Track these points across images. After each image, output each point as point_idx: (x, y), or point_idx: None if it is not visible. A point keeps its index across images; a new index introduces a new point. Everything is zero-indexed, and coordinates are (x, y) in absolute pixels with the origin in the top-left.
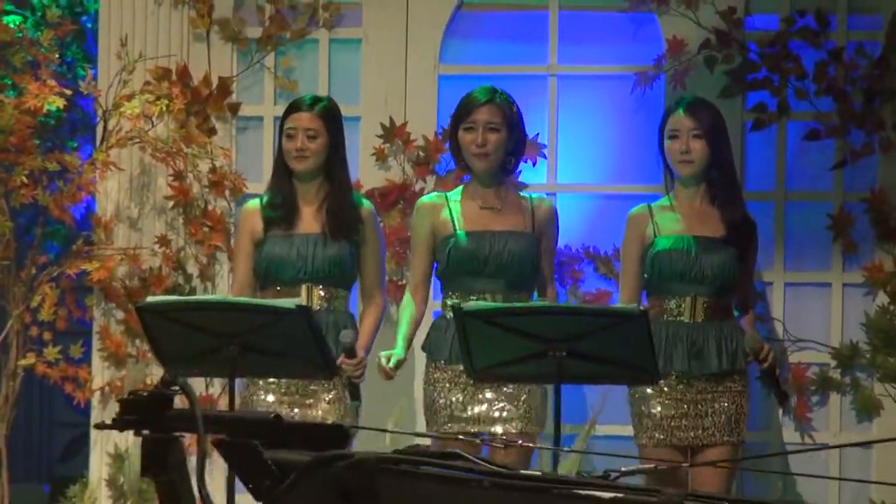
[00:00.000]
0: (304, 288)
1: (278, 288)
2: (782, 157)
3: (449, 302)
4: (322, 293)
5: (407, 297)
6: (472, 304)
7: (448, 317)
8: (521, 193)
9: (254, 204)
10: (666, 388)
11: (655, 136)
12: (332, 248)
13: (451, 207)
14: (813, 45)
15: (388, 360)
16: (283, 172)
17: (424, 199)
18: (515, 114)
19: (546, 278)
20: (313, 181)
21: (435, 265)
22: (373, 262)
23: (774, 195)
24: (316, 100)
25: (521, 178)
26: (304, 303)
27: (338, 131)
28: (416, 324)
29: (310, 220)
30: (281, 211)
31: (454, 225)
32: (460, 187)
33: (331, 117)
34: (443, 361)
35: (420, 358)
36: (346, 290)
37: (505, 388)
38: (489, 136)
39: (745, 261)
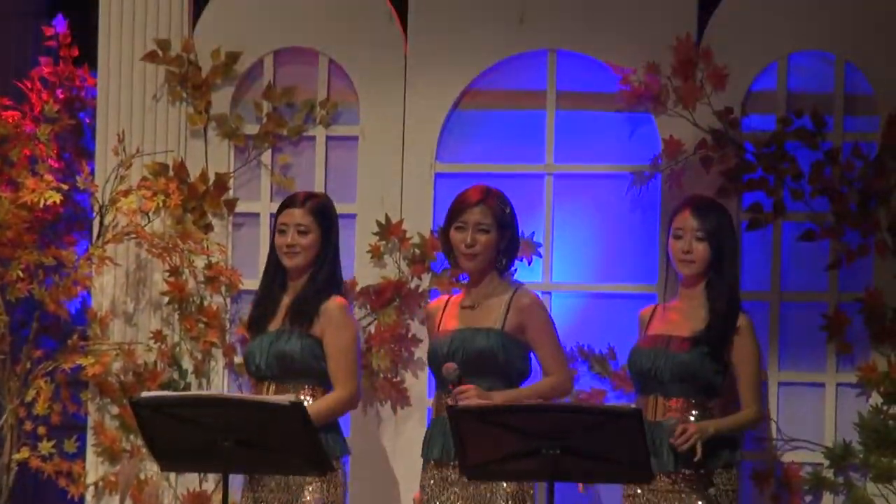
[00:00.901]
0: (270, 386)
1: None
2: (777, 257)
3: (448, 401)
4: (284, 391)
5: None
6: (464, 404)
7: (440, 417)
8: (512, 284)
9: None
10: (639, 490)
11: (651, 236)
12: (284, 342)
13: (444, 311)
14: (809, 146)
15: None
16: (274, 268)
17: (431, 302)
18: (508, 214)
19: (547, 367)
20: (303, 277)
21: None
22: (332, 353)
23: (769, 295)
24: (309, 196)
25: (516, 277)
26: (297, 399)
27: (330, 227)
28: None
29: (277, 320)
30: (259, 308)
31: (437, 328)
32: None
33: (323, 213)
34: (432, 461)
35: (405, 464)
36: (313, 386)
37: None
38: (478, 237)
39: (729, 357)
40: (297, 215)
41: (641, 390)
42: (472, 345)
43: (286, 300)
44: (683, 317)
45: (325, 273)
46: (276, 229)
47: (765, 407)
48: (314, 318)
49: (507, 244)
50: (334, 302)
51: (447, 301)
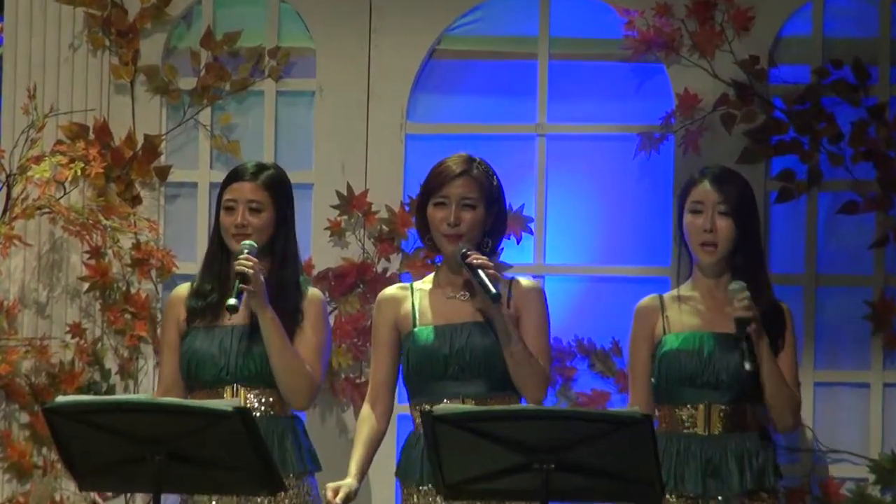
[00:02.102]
0: (227, 391)
1: (201, 392)
2: (813, 234)
3: (419, 408)
4: (252, 397)
5: (364, 412)
6: (444, 407)
7: (420, 432)
8: (504, 275)
9: (183, 289)
10: None
11: (662, 209)
12: (261, 342)
13: (414, 299)
14: (850, 102)
15: (336, 492)
16: (219, 252)
17: (386, 291)
18: (496, 187)
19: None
20: (259, 259)
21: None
22: (303, 347)
23: (803, 279)
24: (261, 167)
25: (502, 259)
26: (242, 404)
27: (286, 204)
28: (374, 444)
29: (240, 310)
30: (207, 299)
31: (414, 320)
32: (431, 275)
33: (278, 188)
34: (414, 484)
35: (379, 485)
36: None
37: None
38: (463, 215)
39: (777, 356)
40: (248, 190)
41: (678, 398)
42: (481, 342)
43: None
44: (716, 312)
45: (291, 260)
46: (223, 206)
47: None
48: (298, 317)
49: (494, 222)
50: (313, 298)
51: (412, 289)
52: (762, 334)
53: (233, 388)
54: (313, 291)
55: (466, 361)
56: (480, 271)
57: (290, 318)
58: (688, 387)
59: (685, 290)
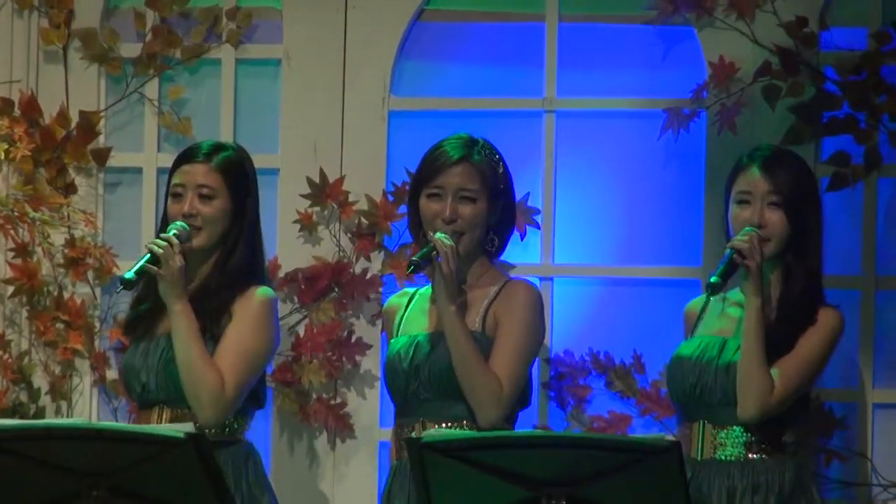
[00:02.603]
0: (154, 413)
1: (139, 413)
2: (871, 228)
3: (405, 437)
4: (179, 419)
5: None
6: (435, 432)
7: (401, 461)
8: (508, 278)
9: None
10: None
11: (692, 198)
12: None
13: (409, 306)
14: None
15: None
16: None
17: (390, 299)
18: (502, 176)
19: (496, 376)
20: (208, 259)
21: None
22: (220, 351)
23: (859, 282)
24: (216, 148)
25: (503, 257)
26: (195, 431)
27: (243, 192)
28: None
29: (170, 318)
30: (143, 304)
31: (397, 330)
32: None
33: (235, 172)
34: None
35: None
36: (237, 416)
37: None
38: (462, 209)
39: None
40: (200, 173)
41: (684, 416)
42: (440, 356)
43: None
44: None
45: (240, 257)
46: (170, 192)
47: (841, 439)
48: (223, 319)
49: (501, 216)
50: (255, 293)
51: (414, 295)
52: (757, 292)
53: (159, 409)
54: (261, 289)
55: (432, 377)
56: (432, 243)
57: (211, 329)
58: (694, 401)
59: (734, 291)
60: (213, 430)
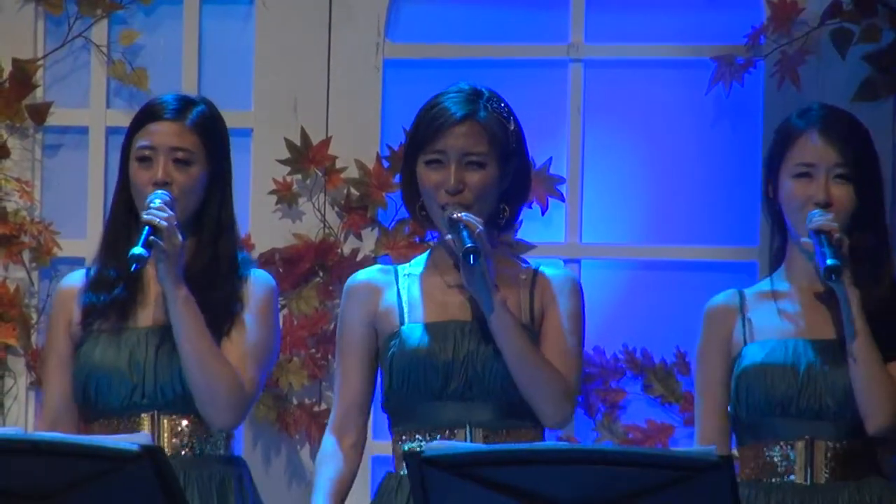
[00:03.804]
0: (145, 420)
1: (107, 420)
2: None
3: (406, 447)
4: (183, 427)
5: (327, 446)
6: (437, 445)
7: (402, 473)
8: (522, 261)
9: (75, 278)
10: None
11: (747, 164)
12: None
13: (401, 288)
14: None
15: None
16: (126, 223)
17: (359, 275)
18: (513, 133)
19: (559, 370)
20: (186, 240)
21: (381, 386)
22: (235, 345)
23: None
24: (187, 102)
25: (520, 236)
26: (151, 442)
27: (222, 155)
28: (341, 491)
29: (156, 306)
30: (112, 291)
31: (402, 315)
32: (424, 255)
33: (213, 131)
34: None
35: None
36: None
37: None
38: (468, 176)
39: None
40: (173, 134)
41: (765, 433)
42: (494, 351)
43: (156, 283)
44: (818, 313)
45: (227, 231)
46: (133, 157)
47: None
48: (236, 310)
49: (514, 183)
50: (257, 277)
51: (396, 273)
52: (851, 282)
53: (152, 416)
54: (260, 274)
55: (477, 373)
56: (463, 224)
57: (223, 305)
58: (779, 416)
59: (777, 282)
60: (195, 441)
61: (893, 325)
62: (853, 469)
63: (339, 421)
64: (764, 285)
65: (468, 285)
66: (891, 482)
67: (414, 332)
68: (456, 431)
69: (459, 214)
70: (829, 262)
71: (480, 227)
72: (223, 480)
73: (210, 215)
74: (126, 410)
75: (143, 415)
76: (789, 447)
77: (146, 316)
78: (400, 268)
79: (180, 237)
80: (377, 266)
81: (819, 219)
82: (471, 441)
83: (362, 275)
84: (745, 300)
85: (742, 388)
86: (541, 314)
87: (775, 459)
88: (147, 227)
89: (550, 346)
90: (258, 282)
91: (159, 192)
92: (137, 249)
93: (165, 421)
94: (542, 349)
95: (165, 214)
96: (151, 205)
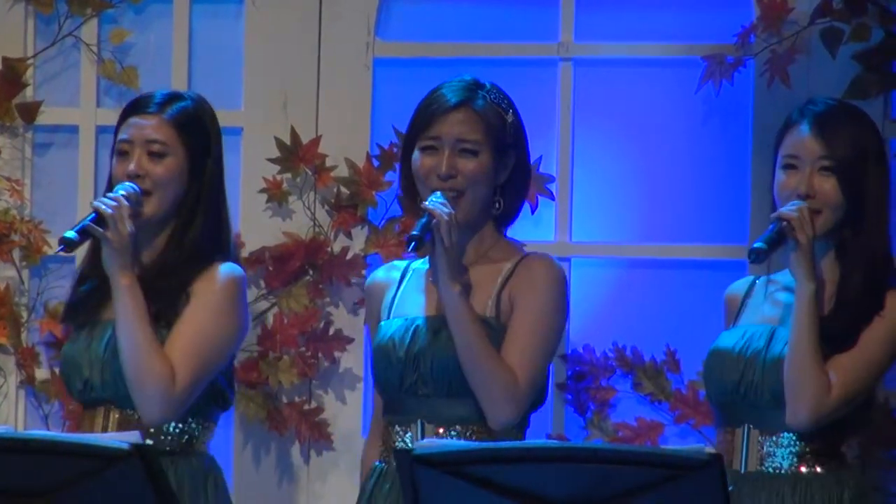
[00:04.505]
0: (99, 414)
1: (85, 412)
2: None
3: (399, 445)
4: (130, 423)
5: (366, 451)
6: (428, 443)
7: (387, 467)
8: (521, 251)
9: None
10: None
11: (736, 162)
12: None
13: (402, 284)
14: None
15: None
16: None
17: (375, 273)
18: (510, 126)
19: (510, 368)
20: (162, 231)
21: None
22: (173, 337)
23: None
24: (171, 97)
25: (509, 234)
26: (142, 440)
27: (202, 151)
28: None
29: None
30: (84, 288)
31: (389, 311)
32: None
33: (192, 125)
34: None
35: None
36: (198, 420)
37: None
38: (461, 163)
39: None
40: (149, 127)
41: (726, 420)
42: (445, 345)
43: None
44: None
45: (199, 228)
46: (116, 150)
47: None
48: (181, 301)
49: (511, 174)
50: (218, 270)
51: (406, 269)
52: (810, 275)
53: (104, 410)
54: (226, 266)
55: (428, 368)
56: (427, 212)
57: (167, 296)
58: (738, 404)
59: (783, 273)
60: (169, 437)
61: (858, 320)
62: (822, 457)
63: (374, 426)
64: (782, 273)
65: (432, 277)
66: (854, 469)
67: (387, 328)
68: (411, 426)
69: (428, 202)
70: (754, 244)
71: (446, 217)
72: (190, 478)
73: (186, 206)
74: (86, 404)
75: (98, 408)
76: (730, 434)
77: (111, 310)
78: (413, 263)
79: (129, 227)
80: (392, 262)
81: (785, 209)
82: (422, 437)
83: (374, 274)
84: (754, 287)
85: (705, 376)
86: (509, 306)
87: (723, 446)
88: (92, 213)
89: (510, 343)
90: (220, 274)
91: (126, 183)
92: (69, 233)
93: (117, 415)
94: (504, 345)
95: (115, 203)
96: (114, 193)
